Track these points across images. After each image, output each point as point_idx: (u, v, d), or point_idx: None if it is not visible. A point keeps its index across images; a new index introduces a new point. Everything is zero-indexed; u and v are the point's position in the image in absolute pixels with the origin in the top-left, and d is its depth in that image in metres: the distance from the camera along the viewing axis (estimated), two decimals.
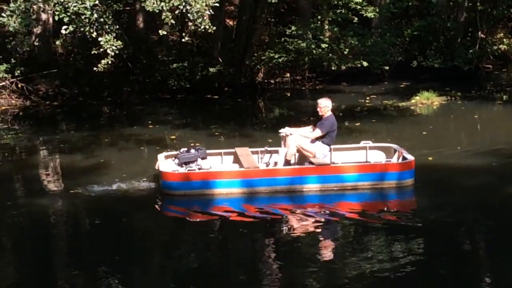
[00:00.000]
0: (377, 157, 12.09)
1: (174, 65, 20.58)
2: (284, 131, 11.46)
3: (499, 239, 8.91)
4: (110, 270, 8.12)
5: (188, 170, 11.18)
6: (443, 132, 15.42)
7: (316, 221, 9.90)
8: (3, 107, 19.17)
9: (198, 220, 10.10)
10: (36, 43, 20.26)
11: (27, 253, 9.15)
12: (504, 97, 19.82)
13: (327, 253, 8.68)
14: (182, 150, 11.84)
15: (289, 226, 9.81)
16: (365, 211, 10.32)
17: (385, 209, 10.59)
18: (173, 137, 14.96)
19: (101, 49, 13.69)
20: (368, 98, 19.38)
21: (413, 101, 18.40)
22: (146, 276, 8.00)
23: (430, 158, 12.72)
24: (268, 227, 9.70)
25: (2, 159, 14.53)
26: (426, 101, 18.40)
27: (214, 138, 14.67)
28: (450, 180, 11.73)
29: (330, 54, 20.52)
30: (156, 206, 10.94)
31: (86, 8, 13.23)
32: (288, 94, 20.85)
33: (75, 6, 13.18)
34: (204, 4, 12.96)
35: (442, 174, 12.03)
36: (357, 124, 15.65)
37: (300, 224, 9.84)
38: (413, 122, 16.41)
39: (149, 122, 16.70)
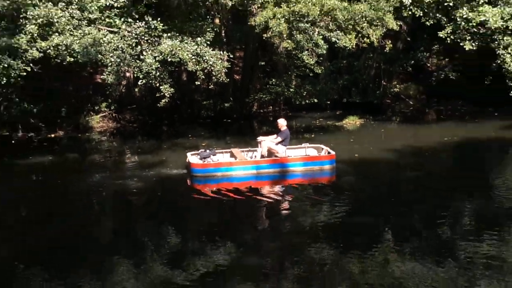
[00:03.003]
0: (312, 152, 13.49)
1: (204, 102, 23.35)
2: (260, 138, 13.08)
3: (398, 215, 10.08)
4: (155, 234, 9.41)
5: (207, 162, 12.65)
6: (363, 140, 17.19)
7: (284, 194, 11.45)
8: (105, 128, 21.93)
9: (218, 195, 11.41)
10: (123, 90, 22.81)
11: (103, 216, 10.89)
12: (398, 119, 22.51)
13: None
14: (201, 150, 13.23)
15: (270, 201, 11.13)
16: (310, 184, 11.94)
17: (324, 184, 12.15)
18: (204, 144, 16.86)
19: (161, 93, 15.29)
20: (317, 120, 21.87)
21: (344, 122, 20.96)
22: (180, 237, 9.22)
23: (356, 155, 14.63)
24: (256, 204, 10.88)
25: (104, 158, 16.45)
26: (352, 122, 21.07)
27: (227, 144, 16.43)
28: (368, 168, 13.37)
29: (296, 95, 22.59)
30: (187, 185, 12.37)
31: (152, 69, 14.80)
32: (271, 119, 22.13)
33: (146, 68, 14.84)
34: (222, 66, 15.15)
35: (363, 164, 13.73)
36: (312, 135, 18.19)
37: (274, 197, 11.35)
38: (344, 134, 18.83)
39: (189, 136, 19.07)
